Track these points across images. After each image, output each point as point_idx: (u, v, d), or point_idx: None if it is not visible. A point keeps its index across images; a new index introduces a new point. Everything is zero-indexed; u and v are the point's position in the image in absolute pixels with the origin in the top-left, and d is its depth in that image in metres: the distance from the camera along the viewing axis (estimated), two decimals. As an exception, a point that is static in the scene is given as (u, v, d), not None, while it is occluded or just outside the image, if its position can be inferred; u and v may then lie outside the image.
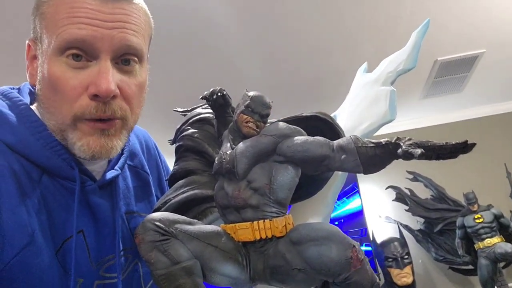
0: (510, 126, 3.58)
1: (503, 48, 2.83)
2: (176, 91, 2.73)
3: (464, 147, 0.43)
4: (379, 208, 3.47)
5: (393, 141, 0.48)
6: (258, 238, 0.55)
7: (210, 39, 2.38)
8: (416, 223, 3.23)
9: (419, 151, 0.43)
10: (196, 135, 0.76)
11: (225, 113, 0.70)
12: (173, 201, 0.71)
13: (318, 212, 0.67)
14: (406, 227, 3.23)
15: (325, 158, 0.53)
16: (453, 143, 0.43)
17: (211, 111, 0.78)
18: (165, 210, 0.69)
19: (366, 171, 0.51)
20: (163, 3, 2.03)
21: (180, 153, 0.78)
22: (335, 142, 0.54)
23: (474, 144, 0.42)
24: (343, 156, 0.52)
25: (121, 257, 0.76)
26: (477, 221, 2.71)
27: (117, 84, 0.67)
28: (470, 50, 2.82)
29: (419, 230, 3.19)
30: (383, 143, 0.49)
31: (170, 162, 1.03)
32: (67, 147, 0.70)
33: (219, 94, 0.66)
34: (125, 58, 0.68)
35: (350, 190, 3.37)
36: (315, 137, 0.56)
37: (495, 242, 2.65)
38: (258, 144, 0.57)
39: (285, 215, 0.57)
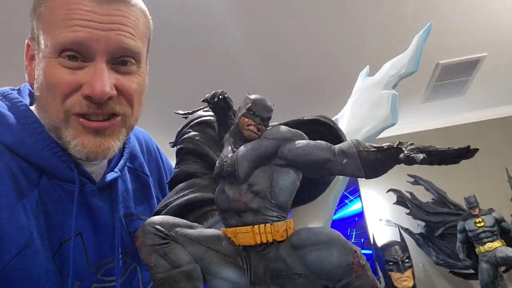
0: (511, 130, 3.57)
1: (505, 51, 2.83)
2: (176, 93, 2.73)
3: (467, 153, 0.42)
4: (380, 211, 3.47)
5: (395, 146, 0.48)
6: (258, 242, 0.55)
7: (211, 40, 2.39)
8: (417, 226, 3.22)
9: (421, 156, 0.43)
10: (197, 138, 0.75)
11: (226, 116, 0.70)
12: (173, 204, 0.71)
13: (319, 216, 0.67)
14: (407, 230, 3.22)
15: (326, 162, 0.53)
16: (456, 148, 0.42)
17: (212, 113, 0.77)
18: (166, 213, 0.69)
19: (368, 176, 0.51)
20: (164, 4, 2.04)
21: (181, 156, 0.78)
22: (337, 146, 0.53)
23: (476, 150, 0.42)
24: (344, 160, 0.52)
25: (119, 260, 0.76)
26: (478, 225, 2.71)
27: (114, 83, 0.66)
28: (472, 54, 2.82)
29: (420, 234, 3.19)
30: (385, 147, 0.49)
31: (172, 163, 1.03)
32: (64, 147, 0.70)
33: (220, 97, 0.66)
34: (122, 60, 0.68)
35: (351, 193, 3.36)
36: (316, 141, 0.55)
37: (496, 246, 2.65)
38: (260, 147, 0.57)
39: (286, 219, 0.57)
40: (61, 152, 0.70)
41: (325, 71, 2.82)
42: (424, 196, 3.17)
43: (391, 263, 2.82)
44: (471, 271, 2.89)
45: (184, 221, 0.59)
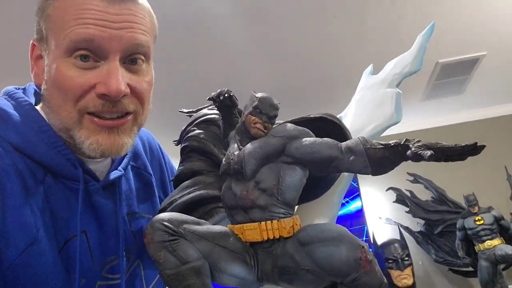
0: (510, 129, 3.58)
1: (504, 50, 2.84)
2: (180, 91, 2.73)
3: (474, 149, 0.43)
4: (380, 209, 3.48)
5: (402, 143, 0.48)
6: (265, 238, 0.55)
7: (215, 39, 2.39)
8: (416, 224, 3.23)
9: (428, 153, 0.44)
10: (202, 136, 0.76)
11: (232, 114, 0.70)
12: (179, 201, 0.71)
13: (324, 213, 0.67)
14: (407, 228, 3.23)
15: (333, 160, 0.54)
16: (463, 145, 0.43)
17: (216, 112, 0.78)
18: (171, 211, 0.69)
19: (375, 173, 0.51)
20: (168, 2, 2.04)
21: (185, 154, 0.78)
22: (344, 144, 0.54)
23: (483, 146, 0.42)
24: (351, 158, 0.52)
25: (124, 258, 0.76)
26: (478, 223, 2.72)
27: (127, 83, 0.67)
28: (471, 53, 2.83)
29: (419, 232, 3.20)
30: (392, 144, 0.49)
31: (174, 162, 1.03)
32: (75, 147, 0.70)
33: (226, 95, 0.66)
34: (132, 58, 0.69)
35: (351, 192, 3.37)
36: (323, 138, 0.56)
37: (495, 244, 2.66)
38: (267, 145, 0.58)
39: (293, 216, 0.57)
40: (66, 151, 0.70)
41: (327, 70, 2.83)
42: (423, 194, 3.18)
43: (390, 261, 2.83)
44: (471, 268, 2.90)
45: (192, 217, 0.59)
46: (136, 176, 0.87)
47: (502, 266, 2.74)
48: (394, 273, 2.80)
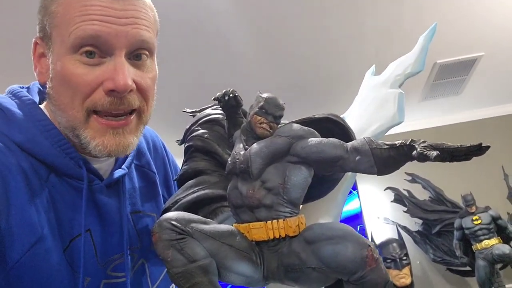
0: (507, 129, 3.60)
1: (502, 51, 2.85)
2: (182, 90, 2.73)
3: (479, 150, 0.44)
4: (378, 209, 3.49)
5: (407, 143, 0.49)
6: (272, 237, 0.56)
7: (217, 38, 2.39)
8: (414, 224, 3.25)
9: (434, 153, 0.44)
10: (206, 135, 0.76)
11: (236, 114, 0.71)
12: (183, 200, 0.71)
13: (329, 212, 0.68)
14: (405, 228, 3.24)
15: (339, 159, 0.54)
16: (468, 145, 0.44)
17: (220, 111, 0.78)
18: (176, 210, 0.70)
19: (380, 172, 0.52)
20: (171, 1, 2.04)
21: (189, 154, 0.78)
22: (349, 144, 0.55)
23: (488, 147, 0.43)
24: (357, 158, 0.53)
25: (128, 256, 0.77)
26: (475, 222, 2.73)
27: (132, 78, 0.67)
28: (469, 53, 2.84)
29: (417, 232, 3.21)
30: (398, 145, 0.50)
31: (177, 161, 1.04)
32: (79, 145, 0.71)
33: (231, 95, 0.67)
34: (137, 53, 0.69)
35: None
36: (328, 138, 0.57)
37: (492, 243, 2.68)
38: (272, 144, 0.58)
39: (298, 215, 0.58)
40: (70, 150, 0.71)
41: (329, 69, 2.83)
42: (421, 194, 3.19)
43: (389, 261, 2.84)
44: (468, 268, 2.92)
45: (199, 217, 0.60)
46: (140, 175, 0.87)
47: (499, 265, 2.75)
48: (392, 272, 2.81)
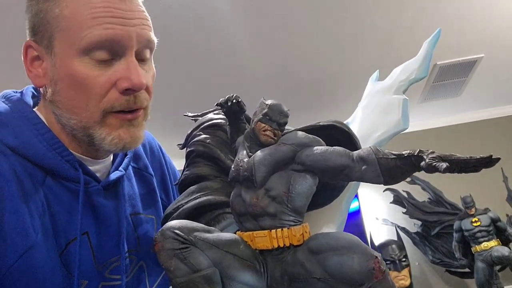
0: (507, 131, 3.60)
1: (502, 53, 2.86)
2: (178, 94, 2.72)
3: (488, 162, 0.43)
4: (377, 210, 3.48)
5: (415, 154, 0.48)
6: (276, 246, 0.55)
7: (219, 41, 2.38)
8: (413, 225, 3.24)
9: (444, 165, 0.44)
10: (208, 140, 0.76)
11: (239, 120, 0.70)
12: (185, 206, 0.71)
13: (333, 220, 0.68)
14: (404, 229, 3.24)
15: (345, 168, 0.54)
16: (478, 157, 0.43)
17: (223, 116, 0.78)
18: (177, 216, 0.69)
19: (387, 182, 0.51)
20: (169, 4, 2.03)
21: (191, 159, 0.78)
22: (355, 153, 0.54)
23: (498, 159, 0.42)
24: (363, 167, 0.52)
25: (126, 258, 0.76)
26: (475, 224, 2.73)
27: None
28: (469, 55, 2.85)
29: (416, 233, 3.21)
30: (405, 155, 0.49)
31: (175, 164, 1.03)
32: (81, 145, 0.71)
33: (234, 101, 0.66)
34: (141, 53, 0.70)
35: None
36: (334, 147, 0.56)
37: (492, 245, 2.68)
38: (277, 152, 0.58)
39: (302, 224, 0.57)
40: (65, 152, 0.70)
41: (331, 69, 2.83)
42: (420, 195, 3.19)
43: (388, 262, 2.84)
44: (467, 270, 2.92)
45: (202, 225, 0.59)
46: (137, 178, 0.87)
47: (498, 267, 2.75)
48: (391, 274, 2.81)
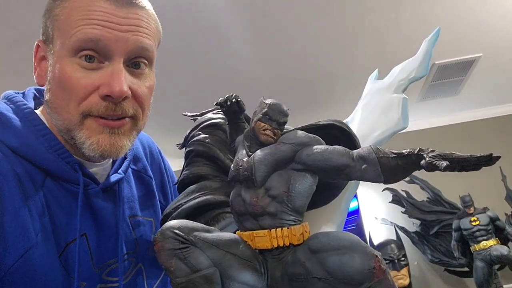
0: (505, 129, 3.61)
1: (500, 52, 2.86)
2: (177, 95, 2.72)
3: (489, 160, 0.43)
4: (376, 209, 3.49)
5: (415, 152, 0.48)
6: (275, 246, 0.55)
7: (217, 40, 2.38)
8: (412, 225, 3.24)
9: (444, 163, 0.44)
10: (207, 140, 0.76)
11: (238, 119, 0.70)
12: (184, 206, 0.71)
13: (332, 220, 0.67)
14: (403, 229, 3.24)
15: (345, 168, 0.54)
16: (478, 155, 0.43)
17: (222, 116, 0.78)
18: (177, 215, 0.69)
19: (387, 181, 0.51)
20: (167, 6, 2.03)
21: (190, 158, 0.78)
22: (355, 152, 0.54)
23: (498, 157, 0.42)
24: (364, 166, 0.52)
25: (124, 261, 0.77)
26: (473, 223, 2.73)
27: (128, 86, 0.67)
28: (467, 54, 2.85)
29: (415, 232, 3.21)
30: (405, 154, 0.49)
31: (171, 163, 1.03)
32: (75, 149, 0.70)
33: (233, 100, 0.66)
34: (136, 61, 0.69)
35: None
36: (334, 146, 0.56)
37: (490, 244, 2.68)
38: (277, 152, 0.57)
39: (302, 223, 0.57)
40: (66, 154, 0.70)
41: (329, 68, 2.82)
42: (419, 194, 3.19)
43: (387, 261, 2.84)
44: (466, 269, 2.92)
45: (202, 225, 0.59)
46: (137, 180, 0.87)
47: (497, 266, 2.76)
48: (391, 273, 2.80)
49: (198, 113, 0.85)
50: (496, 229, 2.76)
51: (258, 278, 0.56)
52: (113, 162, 0.82)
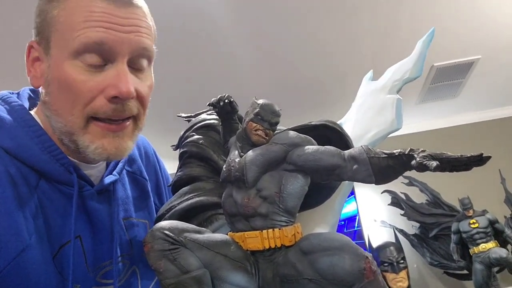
0: (504, 132, 3.61)
1: (498, 55, 2.86)
2: (173, 96, 2.72)
3: (479, 160, 0.43)
4: (375, 212, 3.48)
5: (406, 152, 0.48)
6: (267, 247, 0.55)
7: (212, 41, 2.38)
8: (411, 227, 3.24)
9: (434, 163, 0.43)
10: (201, 141, 0.76)
11: (231, 120, 0.70)
12: (178, 207, 0.71)
13: (325, 221, 0.67)
14: (402, 231, 3.24)
15: (336, 168, 0.53)
16: (468, 155, 0.43)
17: (216, 117, 0.78)
18: (170, 217, 0.69)
19: (378, 182, 0.51)
20: (164, 3, 2.03)
21: (184, 159, 0.78)
22: (347, 152, 0.54)
23: (489, 157, 0.42)
24: (355, 166, 0.52)
25: (118, 263, 0.76)
26: (472, 226, 2.73)
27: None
28: (466, 57, 2.85)
29: (414, 235, 3.20)
30: (396, 154, 0.49)
31: (167, 164, 1.03)
32: (77, 150, 0.70)
33: (226, 101, 0.66)
34: (136, 61, 0.69)
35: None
36: (326, 146, 0.56)
37: (490, 247, 2.67)
38: (268, 152, 0.57)
39: (294, 224, 0.57)
40: (60, 155, 0.70)
41: (323, 71, 2.82)
42: (418, 197, 3.19)
43: (386, 264, 2.83)
44: (465, 271, 2.91)
45: (193, 226, 0.59)
46: (131, 181, 0.87)
47: (496, 269, 2.75)
48: (389, 276, 2.80)
49: (192, 114, 0.85)
50: (495, 232, 2.75)
51: (249, 279, 0.56)
52: (107, 164, 0.82)
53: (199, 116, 0.82)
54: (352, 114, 0.79)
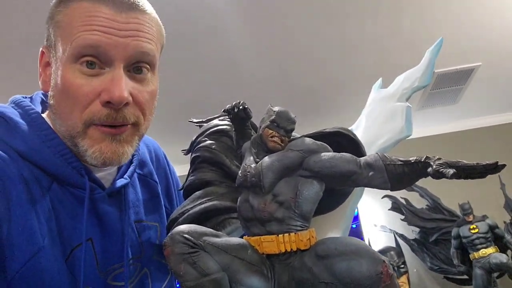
0: (504, 138, 3.62)
1: (499, 61, 2.89)
2: (175, 98, 2.73)
3: (494, 168, 0.44)
4: (375, 217, 3.49)
5: (422, 160, 0.49)
6: (283, 251, 0.56)
7: (220, 47, 2.40)
8: (411, 232, 3.24)
9: (451, 171, 0.45)
10: (213, 146, 0.76)
11: (245, 126, 0.71)
12: (191, 211, 0.71)
13: (338, 226, 0.68)
14: (402, 236, 3.24)
15: (352, 174, 0.55)
16: (484, 163, 0.44)
17: (228, 122, 0.78)
18: (183, 221, 0.70)
19: (393, 188, 0.52)
20: (167, 8, 2.04)
21: (196, 164, 0.78)
22: (362, 159, 0.55)
23: (504, 165, 0.43)
24: (370, 173, 0.53)
25: (129, 265, 0.77)
26: (473, 231, 2.74)
27: (129, 91, 0.67)
28: (466, 63, 2.87)
29: (415, 240, 3.21)
30: (412, 161, 0.50)
31: (177, 168, 1.04)
32: (78, 154, 0.71)
33: (241, 107, 0.67)
34: (137, 66, 0.69)
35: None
36: (341, 153, 0.57)
37: (490, 252, 2.69)
38: (285, 158, 0.58)
39: (309, 229, 0.58)
40: (72, 159, 0.71)
41: (335, 73, 2.84)
42: (418, 202, 3.20)
43: (386, 269, 2.83)
44: (465, 276, 2.92)
45: (210, 229, 0.59)
46: (142, 184, 0.87)
47: (496, 274, 2.76)
48: (390, 280, 2.81)
49: (204, 120, 0.86)
50: (495, 237, 2.77)
51: (265, 283, 0.57)
52: (119, 167, 0.82)
53: (211, 122, 0.83)
54: (362, 121, 0.80)
